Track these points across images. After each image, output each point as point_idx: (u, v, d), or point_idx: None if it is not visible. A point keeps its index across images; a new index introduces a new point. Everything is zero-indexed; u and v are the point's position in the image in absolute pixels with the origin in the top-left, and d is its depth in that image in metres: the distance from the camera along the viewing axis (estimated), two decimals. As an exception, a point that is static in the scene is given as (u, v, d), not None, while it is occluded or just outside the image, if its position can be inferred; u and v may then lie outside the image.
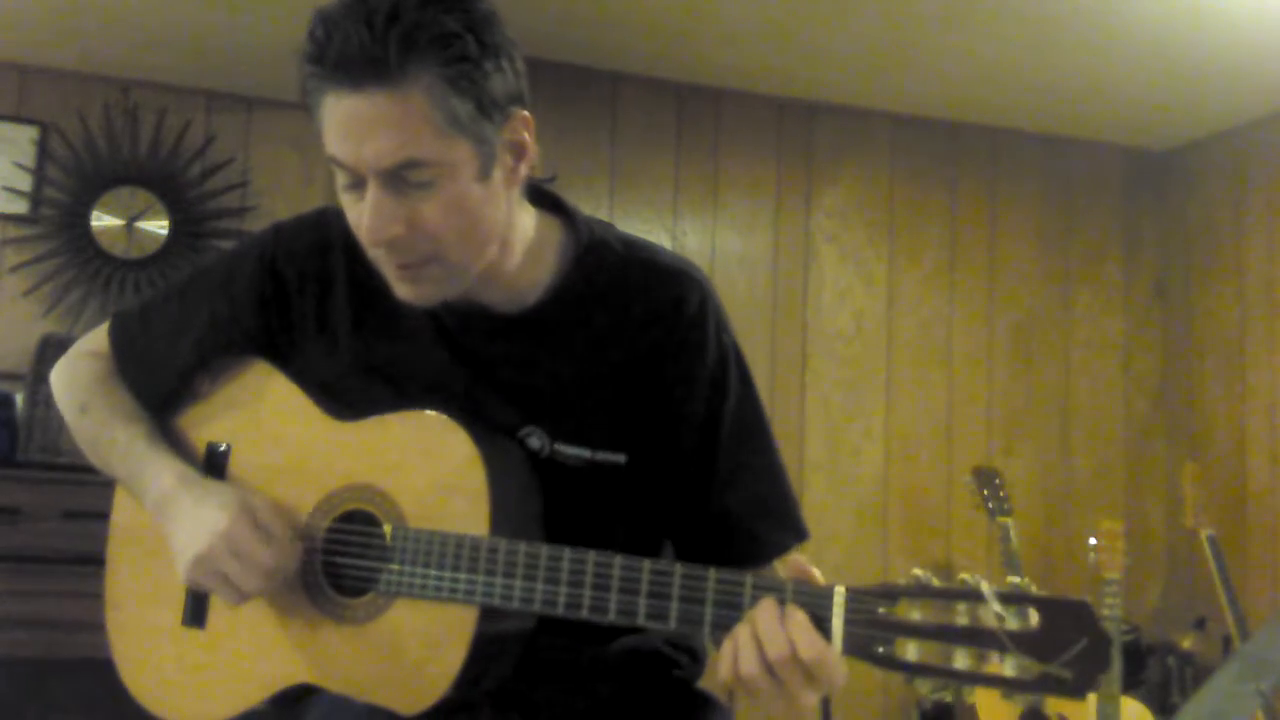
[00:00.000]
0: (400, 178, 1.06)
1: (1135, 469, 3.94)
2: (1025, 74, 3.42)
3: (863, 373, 3.73)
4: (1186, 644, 3.37)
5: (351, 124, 1.04)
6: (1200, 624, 3.42)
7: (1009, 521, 3.12)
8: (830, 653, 0.96)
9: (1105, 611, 2.84)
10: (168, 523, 1.21)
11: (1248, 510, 3.57)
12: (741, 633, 0.99)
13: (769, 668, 0.97)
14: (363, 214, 1.08)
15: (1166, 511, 3.89)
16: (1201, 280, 3.87)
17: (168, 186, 3.53)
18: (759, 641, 0.97)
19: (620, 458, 1.19)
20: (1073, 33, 3.10)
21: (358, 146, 1.05)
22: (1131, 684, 3.25)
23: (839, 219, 3.78)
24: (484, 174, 1.09)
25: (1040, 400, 3.88)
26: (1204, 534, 3.11)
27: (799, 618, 0.97)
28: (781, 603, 0.98)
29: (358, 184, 1.08)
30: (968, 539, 3.74)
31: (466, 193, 1.08)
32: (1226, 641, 3.13)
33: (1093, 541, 2.93)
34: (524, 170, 1.15)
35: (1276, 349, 3.54)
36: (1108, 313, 3.98)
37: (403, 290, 1.14)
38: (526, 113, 1.12)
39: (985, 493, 3.19)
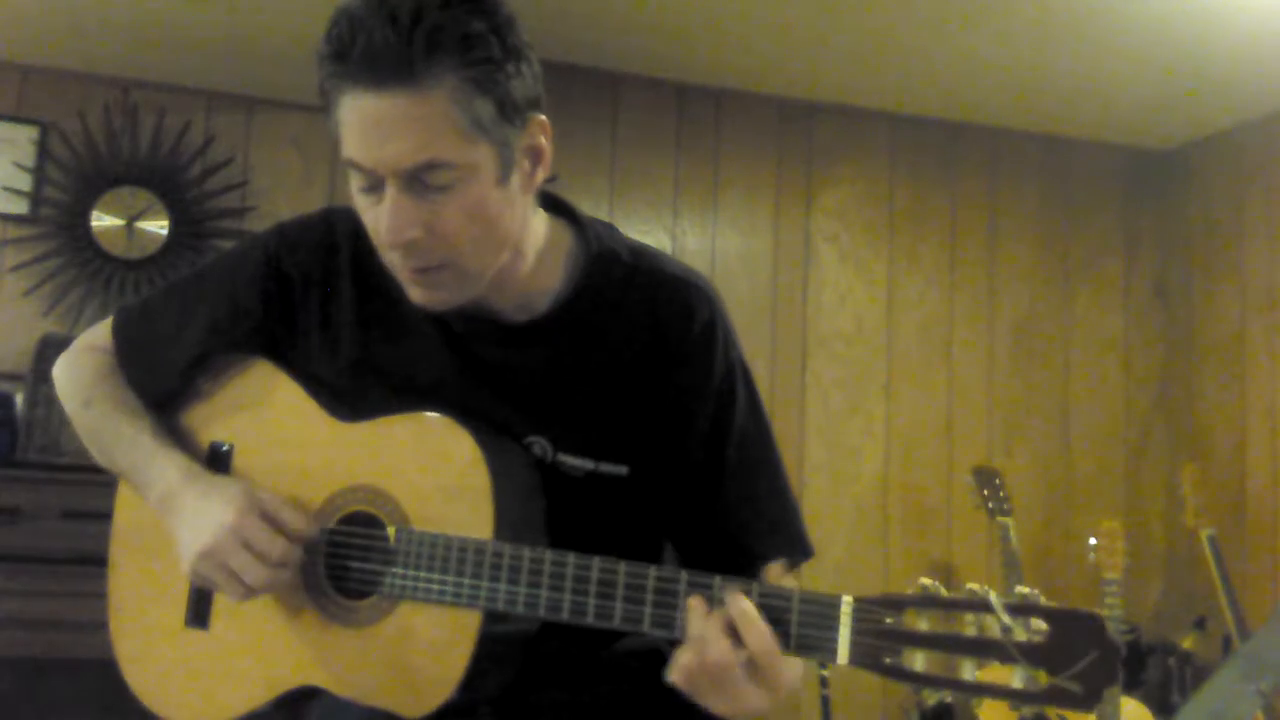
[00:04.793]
0: (420, 180, 1.04)
1: (1135, 469, 3.94)
2: (1025, 74, 3.42)
3: (863, 373, 3.73)
4: (1186, 644, 3.37)
5: (372, 124, 1.03)
6: (1200, 624, 3.42)
7: (1009, 521, 3.12)
8: (772, 642, 0.97)
9: (1105, 611, 2.84)
10: (172, 518, 1.20)
11: (1248, 510, 3.57)
12: (692, 634, 0.99)
13: (706, 668, 0.98)
14: (380, 216, 1.07)
15: (1166, 511, 3.88)
16: (1201, 280, 3.87)
17: (168, 186, 3.52)
18: (704, 640, 0.98)
19: (623, 469, 1.18)
20: (1073, 33, 3.10)
21: (379, 147, 1.04)
22: (1131, 684, 3.25)
23: (839, 219, 3.78)
24: (503, 178, 1.08)
25: (1040, 400, 3.88)
26: (1204, 534, 3.11)
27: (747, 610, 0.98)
28: (780, 606, 0.98)
29: (375, 186, 1.07)
30: (968, 539, 3.74)
31: (485, 196, 1.07)
32: (1226, 641, 3.13)
33: (1093, 541, 2.93)
34: (540, 176, 1.14)
35: (1276, 349, 3.54)
36: (1108, 312, 3.98)
37: (415, 294, 1.13)
38: (544, 118, 1.11)
39: (985, 493, 3.19)
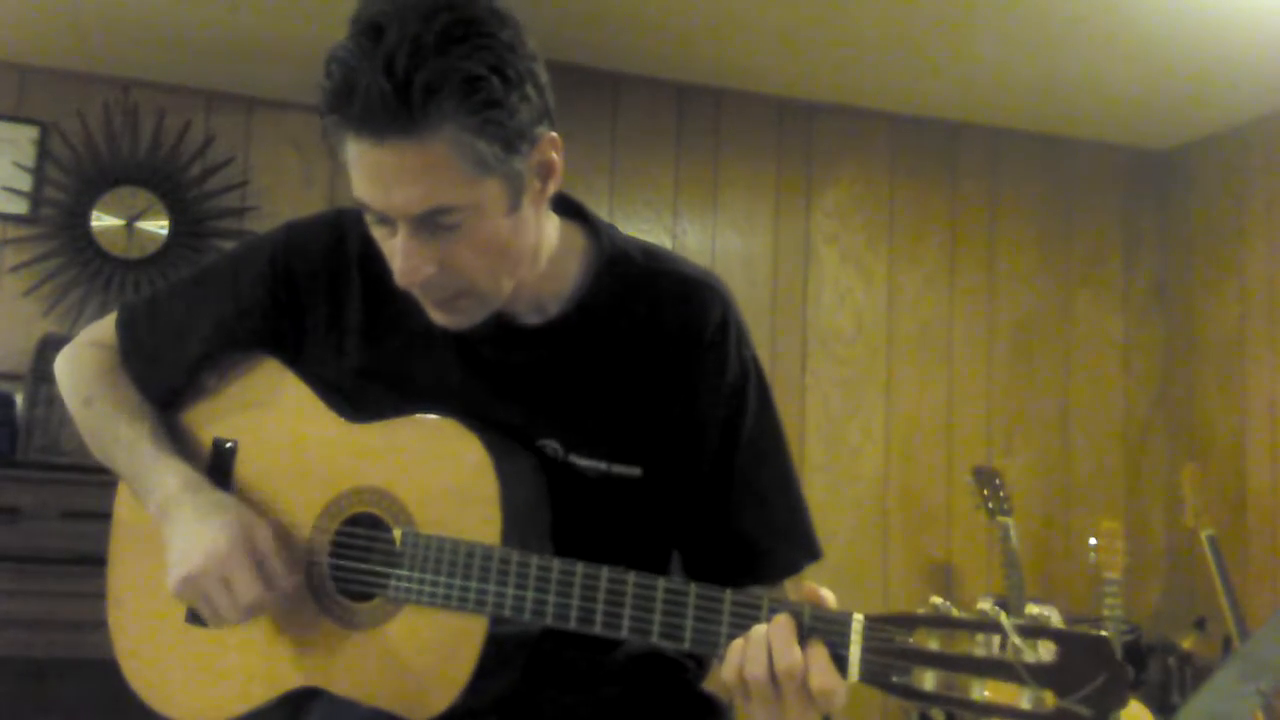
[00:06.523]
0: (430, 221, 1.04)
1: (1135, 469, 3.94)
2: (1025, 74, 3.42)
3: (863, 373, 3.73)
4: (1186, 644, 3.37)
5: (376, 173, 1.03)
6: (1200, 624, 3.42)
7: (1009, 521, 3.12)
8: (842, 688, 0.95)
9: (1105, 611, 2.84)
10: (168, 528, 1.20)
11: (1248, 510, 3.57)
12: (755, 635, 0.98)
13: (774, 677, 0.96)
14: (394, 255, 1.07)
15: (1166, 511, 3.88)
16: (1201, 280, 3.87)
17: (168, 186, 3.52)
18: (770, 649, 0.96)
19: (636, 470, 1.18)
20: (1073, 33, 3.09)
21: (385, 195, 1.03)
22: (1132, 684, 3.24)
23: (839, 219, 3.78)
24: (514, 206, 1.08)
25: (1040, 400, 3.87)
26: (1204, 534, 3.11)
27: (819, 647, 0.96)
28: (800, 625, 0.97)
29: (387, 222, 1.07)
30: (968, 539, 3.74)
31: (496, 228, 1.07)
32: (1226, 641, 3.13)
33: (1093, 541, 2.93)
34: (552, 188, 1.13)
35: (1276, 349, 3.54)
36: (1108, 313, 3.98)
37: (438, 317, 1.14)
38: (554, 133, 1.10)
39: (985, 493, 3.19)
